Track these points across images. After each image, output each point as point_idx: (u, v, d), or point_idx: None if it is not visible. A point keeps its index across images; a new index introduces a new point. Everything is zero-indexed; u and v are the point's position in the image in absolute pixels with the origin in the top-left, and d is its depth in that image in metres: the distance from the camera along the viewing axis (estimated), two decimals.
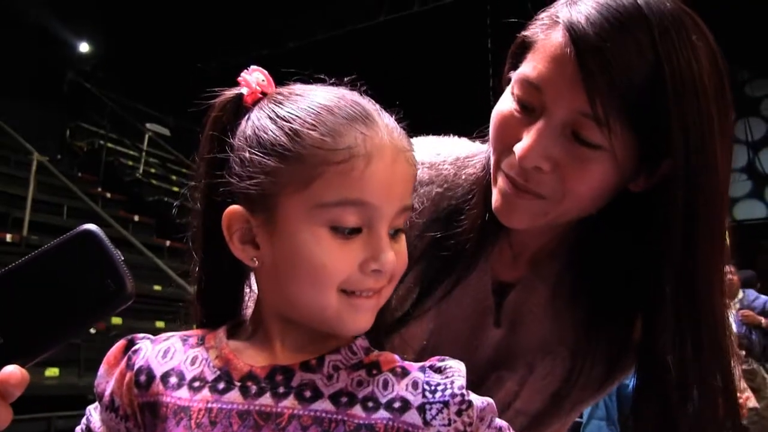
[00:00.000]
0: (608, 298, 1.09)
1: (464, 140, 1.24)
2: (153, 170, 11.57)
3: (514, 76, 0.99)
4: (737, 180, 11.47)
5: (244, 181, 0.79)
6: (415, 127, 1.25)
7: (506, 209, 1.02)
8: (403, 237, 0.83)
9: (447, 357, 0.84)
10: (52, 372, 5.54)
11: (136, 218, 9.22)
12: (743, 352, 4.84)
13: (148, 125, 11.72)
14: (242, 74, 0.86)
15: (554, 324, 1.14)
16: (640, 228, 1.01)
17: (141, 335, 0.89)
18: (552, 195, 0.97)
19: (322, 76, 0.86)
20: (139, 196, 10.31)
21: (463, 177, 1.17)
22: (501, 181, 1.02)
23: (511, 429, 0.85)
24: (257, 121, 0.81)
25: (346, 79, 0.86)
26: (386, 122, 0.81)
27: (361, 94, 0.84)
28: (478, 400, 0.80)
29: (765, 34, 9.98)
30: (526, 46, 0.99)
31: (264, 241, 0.81)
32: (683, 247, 0.95)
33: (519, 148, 0.95)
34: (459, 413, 0.77)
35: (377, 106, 0.83)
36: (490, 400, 0.82)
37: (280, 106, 0.81)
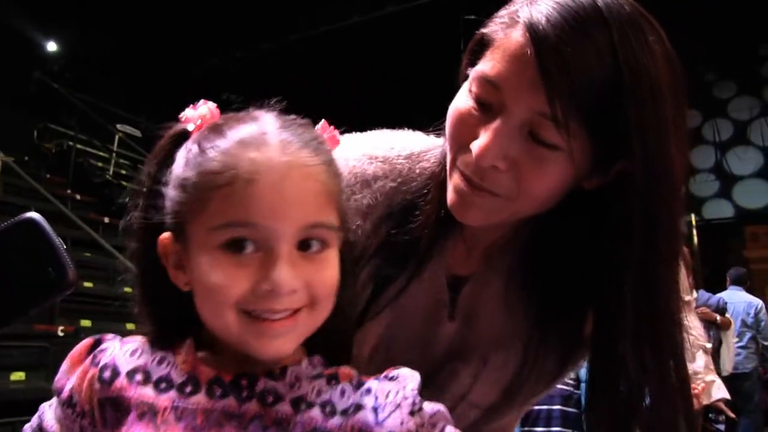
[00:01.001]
0: (560, 293, 1.10)
1: (419, 134, 1.24)
2: (123, 171, 11.46)
3: (472, 73, 0.99)
4: (705, 180, 11.65)
5: (167, 213, 0.83)
6: (387, 126, 1.25)
7: (461, 207, 1.02)
8: (328, 253, 0.83)
9: (400, 366, 0.86)
10: (18, 376, 5.46)
11: (107, 220, 9.12)
12: (709, 345, 4.91)
13: (118, 126, 11.59)
14: (186, 111, 0.88)
15: (508, 317, 1.14)
16: (593, 225, 1.02)
17: (110, 335, 0.90)
18: (507, 194, 0.97)
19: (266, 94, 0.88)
20: (110, 197, 10.20)
21: (418, 171, 1.16)
22: (456, 178, 1.01)
23: None
24: (178, 158, 0.84)
25: (272, 101, 0.88)
26: (283, 139, 0.81)
27: (281, 113, 0.86)
28: (429, 405, 0.83)
29: (731, 35, 10.13)
30: (484, 44, 0.99)
31: (186, 267, 0.83)
32: (643, 249, 0.96)
33: (476, 147, 0.95)
34: (412, 414, 0.80)
35: (289, 123, 0.84)
36: (441, 406, 0.84)
37: (199, 139, 0.83)
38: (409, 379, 0.84)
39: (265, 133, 0.81)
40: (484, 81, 0.96)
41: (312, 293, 0.80)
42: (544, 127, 0.92)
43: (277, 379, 0.83)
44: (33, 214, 0.72)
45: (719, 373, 6.76)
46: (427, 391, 0.84)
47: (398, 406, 0.80)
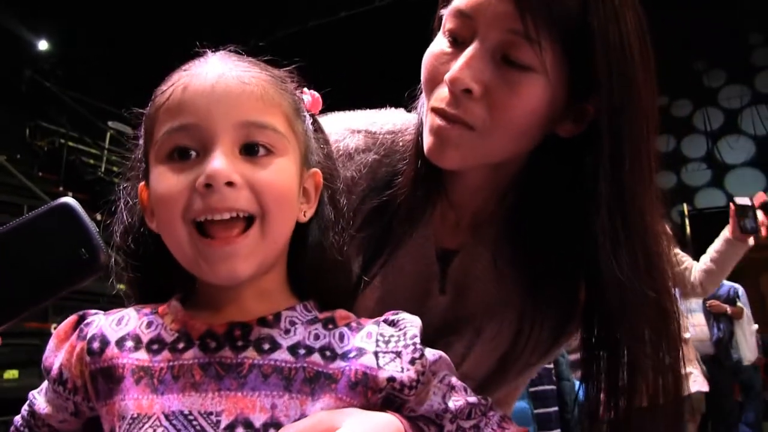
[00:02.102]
0: (549, 260, 1.10)
1: (401, 111, 1.23)
2: (115, 169, 11.42)
3: (446, 12, 1.00)
4: (697, 169, 11.67)
5: (141, 161, 0.87)
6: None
7: (437, 146, 1.01)
8: (277, 160, 0.82)
9: (401, 311, 0.87)
10: (11, 374, 5.46)
11: (98, 217, 9.09)
12: (687, 335, 4.83)
13: (110, 123, 11.57)
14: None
15: (499, 287, 1.14)
16: (570, 184, 1.02)
17: (93, 310, 0.90)
18: (481, 125, 0.97)
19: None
20: (101, 194, 10.16)
21: (401, 144, 1.16)
22: (432, 118, 1.01)
23: (467, 389, 0.88)
24: None
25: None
26: (222, 57, 0.85)
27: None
28: (430, 353, 0.83)
29: (721, 24, 10.14)
30: None
31: None
32: (613, 172, 0.97)
33: (449, 74, 0.96)
34: (412, 362, 0.81)
35: (230, 51, 0.88)
36: (442, 353, 0.85)
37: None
38: (409, 325, 0.84)
39: (206, 57, 0.86)
40: (458, 14, 0.97)
41: (259, 198, 0.79)
42: (516, 47, 0.93)
43: (271, 326, 0.82)
44: (68, 199, 0.75)
45: (740, 362, 6.75)
46: None
47: (398, 354, 0.81)
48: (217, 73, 0.81)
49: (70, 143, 10.94)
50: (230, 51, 0.89)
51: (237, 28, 11.20)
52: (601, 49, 0.93)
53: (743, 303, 6.91)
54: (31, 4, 10.73)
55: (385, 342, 0.82)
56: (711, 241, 3.81)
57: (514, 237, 1.13)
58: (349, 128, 1.18)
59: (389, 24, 9.76)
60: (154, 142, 0.81)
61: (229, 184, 0.76)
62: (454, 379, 0.87)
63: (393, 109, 1.25)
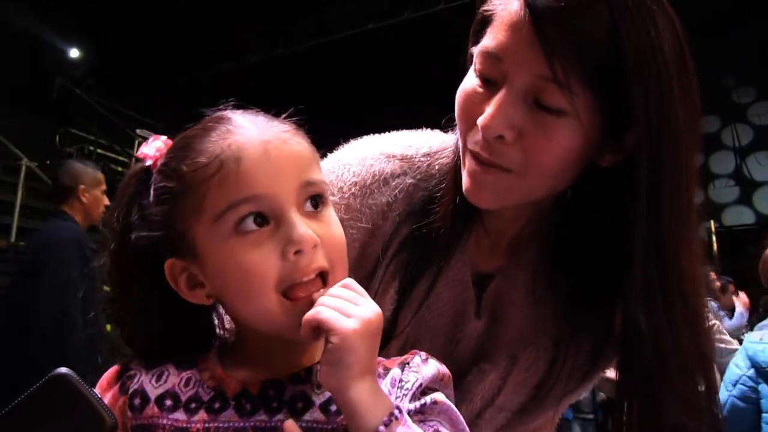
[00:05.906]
0: (586, 283, 1.08)
1: (437, 132, 1.23)
2: None
3: (476, 51, 1.00)
4: (725, 186, 11.54)
5: (165, 231, 0.83)
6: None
7: (474, 188, 1.01)
8: (328, 208, 0.85)
9: (419, 352, 0.87)
10: None
11: None
12: None
13: (138, 131, 11.69)
14: (141, 148, 0.90)
15: (536, 313, 1.13)
16: (611, 209, 1.00)
17: (136, 361, 0.91)
18: (517, 168, 0.96)
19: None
20: None
21: (437, 167, 1.16)
22: (468, 160, 1.01)
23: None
24: (154, 179, 0.86)
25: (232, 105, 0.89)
26: (248, 118, 0.84)
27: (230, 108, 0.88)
28: (431, 397, 0.82)
29: (750, 41, 10.05)
30: (486, 22, 0.99)
31: (203, 277, 0.84)
32: (649, 211, 0.94)
33: (481, 119, 0.95)
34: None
35: (246, 109, 0.87)
36: (444, 402, 0.83)
37: (166, 157, 0.86)
38: (415, 371, 0.84)
39: (232, 120, 0.84)
40: (486, 55, 0.96)
41: (329, 254, 0.81)
42: (547, 92, 0.91)
43: (303, 382, 0.83)
44: (61, 370, 0.72)
45: None
46: (455, 394, 0.84)
47: (405, 395, 0.81)
48: (262, 140, 0.81)
49: (99, 150, 11.08)
50: (233, 106, 0.89)
51: (263, 38, 11.29)
52: (637, 88, 0.90)
53: None
54: (62, 13, 10.88)
55: (400, 388, 0.82)
56: (738, 259, 3.79)
57: (552, 260, 1.12)
58: (384, 153, 1.18)
59: (418, 36, 9.77)
60: (207, 215, 0.80)
61: (314, 246, 0.79)
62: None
63: (429, 130, 1.24)
